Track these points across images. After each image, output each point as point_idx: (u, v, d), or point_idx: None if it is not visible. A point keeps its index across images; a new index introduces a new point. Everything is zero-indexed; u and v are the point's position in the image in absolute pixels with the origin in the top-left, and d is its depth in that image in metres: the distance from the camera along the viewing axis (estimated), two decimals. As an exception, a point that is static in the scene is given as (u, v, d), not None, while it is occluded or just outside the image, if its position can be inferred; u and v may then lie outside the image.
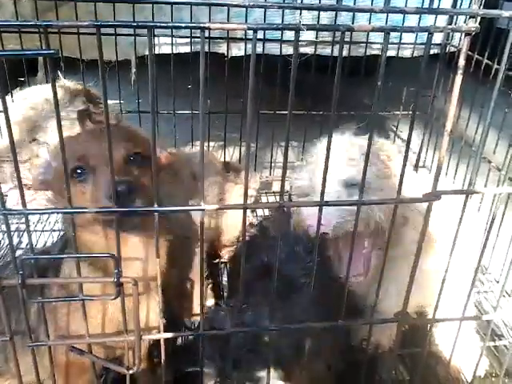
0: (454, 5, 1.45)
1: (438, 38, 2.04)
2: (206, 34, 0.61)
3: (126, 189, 0.84)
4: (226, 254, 1.79)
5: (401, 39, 2.03)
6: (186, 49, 2.04)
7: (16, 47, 1.83)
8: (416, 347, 1.30)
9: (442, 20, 1.75)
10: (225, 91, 1.82)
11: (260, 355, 1.01)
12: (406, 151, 0.77)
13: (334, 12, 1.79)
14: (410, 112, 1.70)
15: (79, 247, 0.88)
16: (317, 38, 1.94)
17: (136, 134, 1.09)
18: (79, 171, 0.92)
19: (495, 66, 1.61)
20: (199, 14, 1.88)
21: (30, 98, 1.33)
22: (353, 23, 1.62)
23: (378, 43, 2.01)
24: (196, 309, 1.51)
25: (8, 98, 1.36)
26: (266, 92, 1.78)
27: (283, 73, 1.72)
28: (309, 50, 1.99)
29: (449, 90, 1.91)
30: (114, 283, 0.76)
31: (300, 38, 1.94)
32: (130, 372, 0.86)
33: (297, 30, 0.59)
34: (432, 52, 1.97)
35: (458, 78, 0.64)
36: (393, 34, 1.91)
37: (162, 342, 0.87)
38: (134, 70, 1.93)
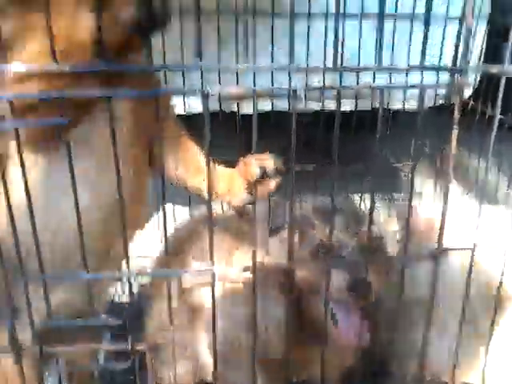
0: (454, 62, 1.48)
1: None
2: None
3: None
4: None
5: (405, 93, 2.05)
6: (199, 109, 2.09)
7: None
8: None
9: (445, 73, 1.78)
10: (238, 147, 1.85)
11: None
12: (409, 204, 0.76)
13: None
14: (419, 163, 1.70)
15: None
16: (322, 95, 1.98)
17: None
18: None
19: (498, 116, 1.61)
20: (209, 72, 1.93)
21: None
22: (358, 79, 1.66)
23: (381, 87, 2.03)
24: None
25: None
26: (275, 145, 1.80)
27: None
28: (316, 105, 2.03)
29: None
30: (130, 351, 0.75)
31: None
32: None
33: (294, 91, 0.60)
34: (439, 103, 2.00)
35: (454, 134, 0.64)
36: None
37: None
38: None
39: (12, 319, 0.72)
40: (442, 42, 1.83)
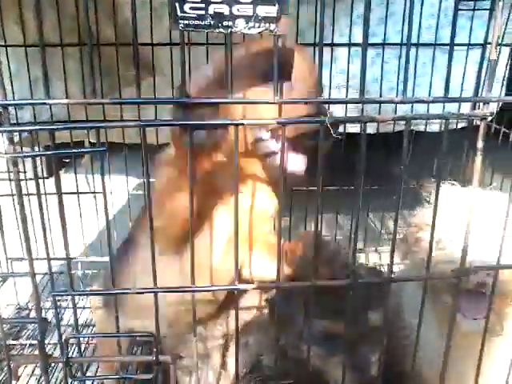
0: (477, 91, 1.53)
1: (465, 109, 2.09)
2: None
3: None
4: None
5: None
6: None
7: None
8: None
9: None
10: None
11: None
12: (433, 223, 0.77)
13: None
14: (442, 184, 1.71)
15: None
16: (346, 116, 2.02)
17: None
18: None
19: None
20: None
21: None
22: (380, 108, 1.70)
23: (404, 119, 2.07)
24: None
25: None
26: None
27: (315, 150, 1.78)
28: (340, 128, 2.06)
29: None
30: (153, 362, 0.79)
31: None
32: None
33: (322, 122, 0.65)
34: (460, 126, 2.02)
35: (478, 159, 0.67)
36: (421, 109, 1.97)
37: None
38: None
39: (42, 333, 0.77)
40: (465, 68, 1.86)
